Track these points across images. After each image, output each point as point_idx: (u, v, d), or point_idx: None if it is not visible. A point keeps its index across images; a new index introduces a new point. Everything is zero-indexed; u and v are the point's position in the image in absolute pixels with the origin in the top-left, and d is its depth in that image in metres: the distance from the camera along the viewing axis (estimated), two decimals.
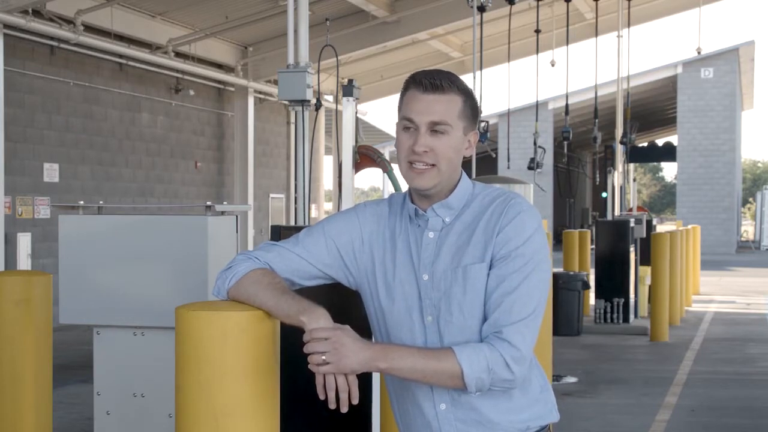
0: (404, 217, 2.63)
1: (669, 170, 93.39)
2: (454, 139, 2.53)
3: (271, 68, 20.56)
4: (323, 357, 2.33)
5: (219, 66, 20.25)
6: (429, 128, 2.50)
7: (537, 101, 18.88)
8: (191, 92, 19.04)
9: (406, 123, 2.53)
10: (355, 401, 2.39)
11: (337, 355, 2.33)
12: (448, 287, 2.52)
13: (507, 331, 2.44)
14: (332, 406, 2.38)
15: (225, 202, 18.55)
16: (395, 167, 6.41)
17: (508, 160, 18.00)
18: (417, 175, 2.52)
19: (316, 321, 2.37)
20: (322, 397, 2.38)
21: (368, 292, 2.64)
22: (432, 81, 2.51)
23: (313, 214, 23.07)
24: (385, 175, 6.84)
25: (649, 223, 16.27)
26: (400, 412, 2.67)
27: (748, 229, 53.59)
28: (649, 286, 14.37)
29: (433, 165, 2.51)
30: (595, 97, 18.76)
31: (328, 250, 2.62)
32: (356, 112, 6.27)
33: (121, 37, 16.68)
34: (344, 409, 2.39)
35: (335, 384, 2.35)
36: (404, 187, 2.99)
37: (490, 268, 2.50)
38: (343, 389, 2.36)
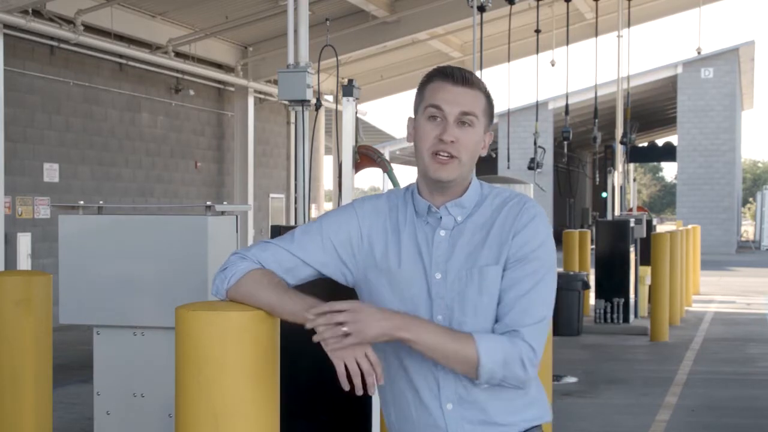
0: (409, 213, 2.61)
1: (669, 170, 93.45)
2: (477, 134, 2.55)
3: (271, 68, 20.55)
4: (344, 328, 2.32)
5: (219, 66, 20.25)
6: (457, 120, 2.51)
7: (537, 101, 18.90)
8: (191, 92, 19.04)
9: (432, 111, 2.53)
10: (381, 381, 2.37)
11: (357, 324, 2.33)
12: (462, 288, 2.52)
13: (524, 332, 2.47)
14: (359, 392, 2.36)
15: (225, 202, 18.55)
16: (395, 167, 6.41)
17: (508, 160, 18.03)
18: (440, 166, 2.52)
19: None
20: (346, 387, 2.36)
21: (367, 289, 2.62)
22: (463, 75, 2.54)
23: (313, 214, 23.07)
24: (385, 175, 6.84)
25: (649, 223, 16.27)
26: (398, 418, 2.63)
27: (748, 229, 53.59)
28: (649, 286, 14.37)
29: (456, 157, 2.52)
30: (595, 97, 18.77)
31: (324, 247, 2.60)
32: (356, 112, 6.28)
33: (121, 37, 16.68)
34: (371, 392, 2.37)
35: (359, 369, 2.34)
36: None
37: (503, 270, 2.52)
38: (368, 372, 2.34)
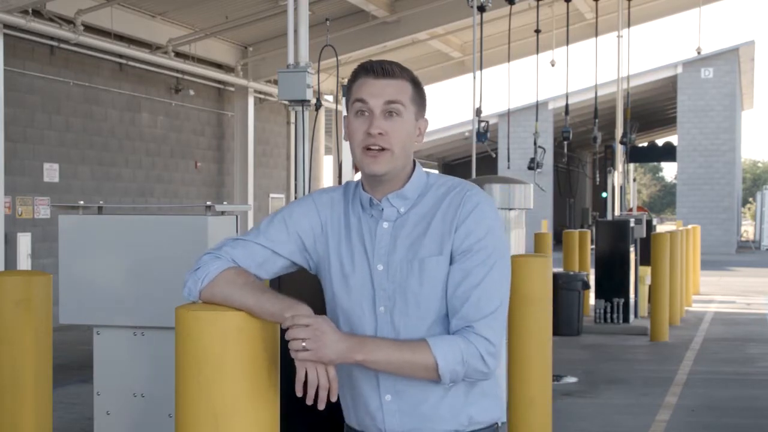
0: (356, 206, 2.63)
1: (669, 170, 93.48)
2: (407, 122, 2.55)
3: (271, 68, 20.56)
4: (303, 344, 2.34)
5: (219, 66, 20.25)
6: (383, 111, 2.52)
7: (537, 101, 18.90)
8: (191, 92, 19.04)
9: (359, 106, 2.53)
10: (334, 398, 2.40)
11: (316, 343, 2.35)
12: (403, 279, 2.52)
13: (478, 325, 2.46)
14: (310, 402, 2.38)
15: (225, 202, 18.53)
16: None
17: (508, 160, 18.05)
18: (372, 160, 2.52)
19: (299, 313, 2.40)
20: (299, 393, 2.38)
21: (324, 278, 2.65)
22: (383, 67, 2.55)
23: None
24: None
25: (649, 223, 16.27)
26: (347, 401, 2.66)
27: (748, 229, 53.60)
28: (649, 286, 14.37)
29: (387, 149, 2.52)
30: (595, 97, 18.77)
31: (290, 236, 2.62)
32: None
33: (121, 37, 16.68)
34: (321, 407, 2.40)
35: (317, 380, 2.36)
36: None
37: (451, 262, 2.51)
38: (323, 386, 2.37)
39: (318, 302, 2.61)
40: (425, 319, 2.51)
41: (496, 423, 2.63)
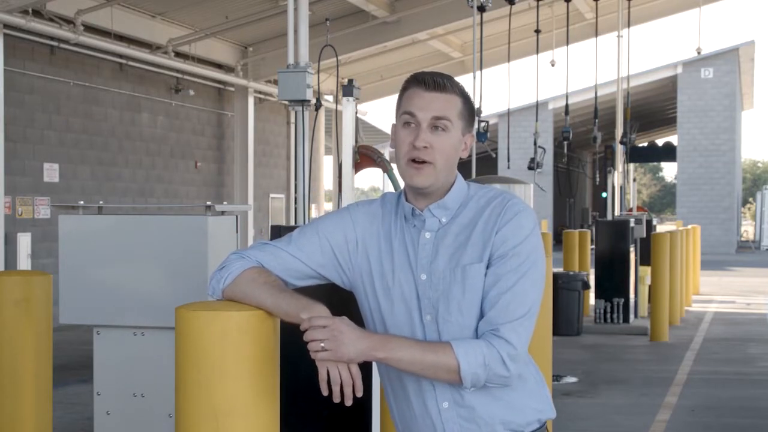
0: (399, 217, 2.64)
1: (669, 170, 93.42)
2: (453, 137, 2.56)
3: (271, 68, 20.56)
4: (321, 344, 2.35)
5: (219, 66, 20.25)
6: (430, 125, 2.53)
7: (537, 101, 18.88)
8: (191, 92, 19.04)
9: (407, 118, 2.56)
10: (360, 394, 2.41)
11: (335, 343, 2.36)
12: (447, 287, 2.54)
13: (503, 329, 2.47)
14: (336, 399, 2.39)
15: (225, 202, 18.56)
16: (395, 167, 6.42)
17: (508, 160, 18.01)
18: (416, 173, 2.54)
19: (316, 313, 2.41)
20: (325, 392, 2.39)
21: (363, 292, 2.65)
22: (434, 80, 2.56)
23: (313, 214, 23.05)
24: (385, 175, 6.85)
25: (649, 223, 16.27)
26: (399, 413, 2.68)
27: (748, 229, 53.61)
28: (649, 286, 14.38)
29: (431, 162, 2.54)
30: (595, 97, 18.75)
31: (322, 249, 2.63)
32: (356, 112, 6.28)
33: (121, 37, 16.68)
34: (348, 403, 2.41)
35: (340, 377, 2.37)
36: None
37: (487, 268, 2.53)
38: (347, 383, 2.38)
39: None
40: (468, 326, 2.52)
41: (546, 422, 2.66)
